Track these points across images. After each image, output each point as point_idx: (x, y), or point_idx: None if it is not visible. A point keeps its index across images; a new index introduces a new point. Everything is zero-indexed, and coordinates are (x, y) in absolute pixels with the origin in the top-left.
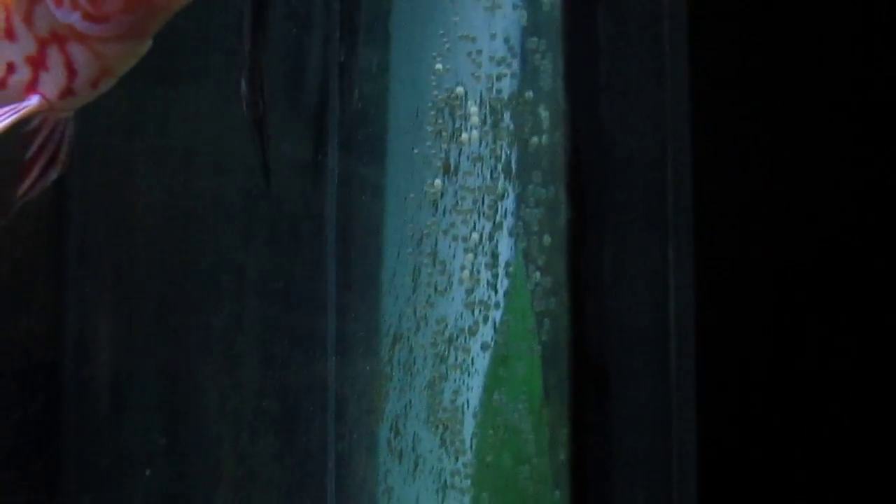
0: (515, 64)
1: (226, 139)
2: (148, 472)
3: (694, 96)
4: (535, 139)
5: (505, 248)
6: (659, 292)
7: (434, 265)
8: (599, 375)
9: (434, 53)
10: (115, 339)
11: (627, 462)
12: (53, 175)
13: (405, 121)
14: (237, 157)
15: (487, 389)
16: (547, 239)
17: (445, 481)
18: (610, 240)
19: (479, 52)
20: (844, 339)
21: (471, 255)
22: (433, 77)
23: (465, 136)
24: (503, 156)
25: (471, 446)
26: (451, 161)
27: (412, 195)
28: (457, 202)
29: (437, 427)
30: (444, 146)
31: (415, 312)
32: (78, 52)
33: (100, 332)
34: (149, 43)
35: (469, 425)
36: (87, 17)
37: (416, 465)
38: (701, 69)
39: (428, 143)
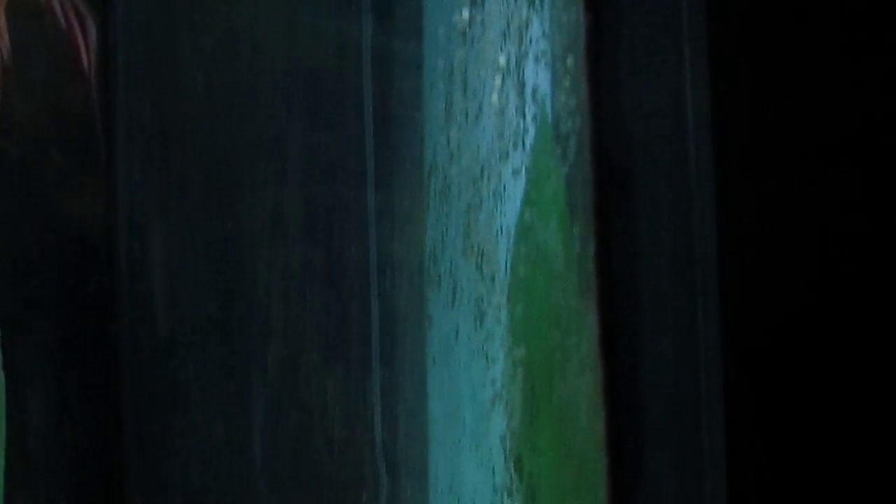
0: None
1: (263, 19)
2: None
3: None
4: None
5: (531, 73)
6: (676, 99)
7: (465, 94)
8: (622, 189)
9: None
10: (164, 217)
11: (651, 265)
12: None
13: None
14: (275, 36)
15: (519, 212)
16: (570, 61)
17: (482, 298)
18: (626, 55)
19: None
20: None
21: (499, 81)
22: None
23: None
24: None
25: (505, 266)
26: None
27: (442, 29)
28: (484, 31)
29: (472, 251)
30: None
31: (448, 142)
32: None
33: (150, 212)
34: None
35: (503, 247)
36: None
37: (455, 292)
38: None
39: None
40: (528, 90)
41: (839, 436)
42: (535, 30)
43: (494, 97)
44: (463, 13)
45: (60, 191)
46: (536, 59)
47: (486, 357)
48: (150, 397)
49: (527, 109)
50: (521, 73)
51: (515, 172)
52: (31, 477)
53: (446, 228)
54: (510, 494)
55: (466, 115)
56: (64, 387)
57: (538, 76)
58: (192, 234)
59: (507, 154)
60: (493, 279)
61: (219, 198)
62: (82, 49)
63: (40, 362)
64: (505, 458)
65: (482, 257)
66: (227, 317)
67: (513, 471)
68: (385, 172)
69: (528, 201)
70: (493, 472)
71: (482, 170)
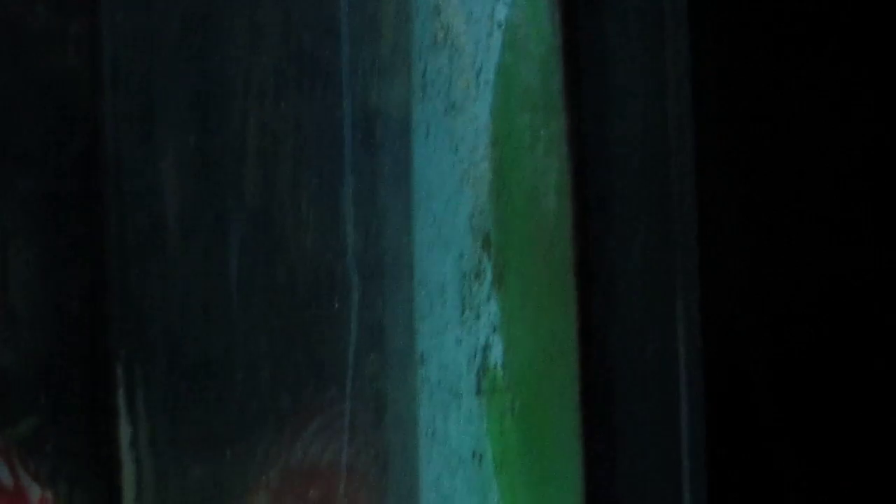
0: None
1: None
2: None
3: None
4: None
5: None
6: None
7: None
8: None
9: None
10: (148, 65)
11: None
12: None
13: None
14: None
15: None
16: None
17: (451, 83)
18: None
19: None
20: None
21: None
22: None
23: None
24: None
25: (476, 49)
26: None
27: None
28: None
29: (443, 36)
30: None
31: None
32: None
33: (134, 63)
34: None
35: (474, 30)
36: None
37: (425, 83)
38: None
39: None
40: None
41: None
42: None
43: None
44: None
45: (44, 45)
46: None
47: (454, 139)
48: (132, 244)
49: None
50: None
51: None
52: (14, 331)
53: (416, 13)
54: (478, 276)
55: None
56: (47, 240)
57: None
58: (172, 74)
59: None
60: (462, 62)
61: (197, 41)
62: None
63: (23, 216)
64: (472, 237)
65: (453, 42)
66: (205, 145)
67: (480, 250)
68: None
69: None
70: (461, 257)
71: None
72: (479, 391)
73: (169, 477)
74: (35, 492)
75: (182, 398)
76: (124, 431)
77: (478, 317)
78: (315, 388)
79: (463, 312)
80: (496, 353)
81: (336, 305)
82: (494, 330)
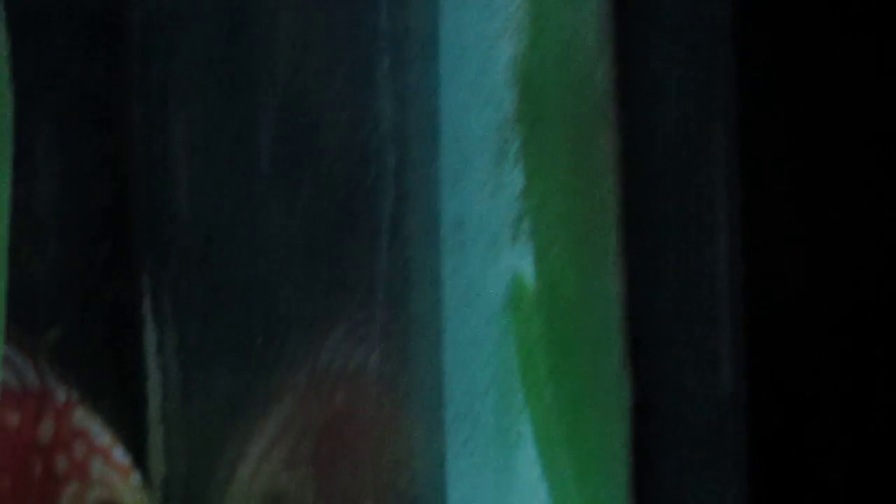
0: None
1: None
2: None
3: None
4: None
5: None
6: None
7: None
8: None
9: None
10: None
11: None
12: None
13: None
14: None
15: None
16: None
17: None
18: None
19: None
20: None
21: None
22: None
23: None
24: None
25: None
26: None
27: None
28: None
29: None
30: None
31: None
32: None
33: None
34: None
35: None
36: None
37: None
38: None
39: None
40: None
41: None
42: None
43: None
44: None
45: None
46: None
47: None
48: (159, 151)
49: None
50: None
51: None
52: (42, 241)
53: None
54: (515, 124)
55: None
56: (74, 152)
57: None
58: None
59: None
60: None
61: None
62: None
63: (49, 129)
64: (509, 87)
65: None
66: (235, 39)
67: (517, 98)
68: None
69: None
70: (498, 109)
71: None
72: (515, 238)
73: (194, 382)
74: (61, 394)
75: (209, 303)
76: (150, 339)
77: (514, 165)
78: (344, 291)
79: (499, 163)
80: (531, 199)
81: (372, 173)
82: (531, 176)
